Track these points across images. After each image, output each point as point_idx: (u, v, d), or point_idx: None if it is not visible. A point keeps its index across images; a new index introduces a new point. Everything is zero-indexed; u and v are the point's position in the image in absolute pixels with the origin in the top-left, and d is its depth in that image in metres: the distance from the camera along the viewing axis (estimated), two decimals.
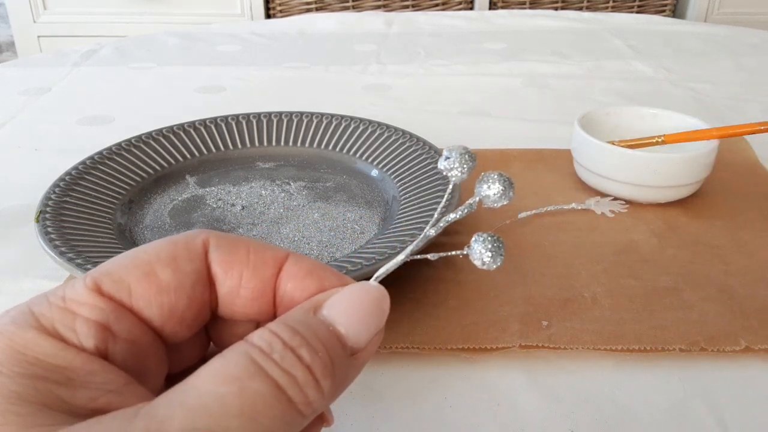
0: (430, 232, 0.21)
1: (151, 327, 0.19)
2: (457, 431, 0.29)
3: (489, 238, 0.20)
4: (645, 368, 0.33)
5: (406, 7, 1.80)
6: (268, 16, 1.88)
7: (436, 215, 0.21)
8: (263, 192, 0.47)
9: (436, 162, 0.45)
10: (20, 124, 0.64)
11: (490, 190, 0.20)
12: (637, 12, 1.83)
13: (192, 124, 0.51)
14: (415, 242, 0.21)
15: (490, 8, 1.82)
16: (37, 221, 0.38)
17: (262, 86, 0.75)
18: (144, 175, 0.47)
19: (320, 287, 0.20)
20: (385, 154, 0.49)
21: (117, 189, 0.44)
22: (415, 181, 0.45)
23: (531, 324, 0.35)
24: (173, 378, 0.20)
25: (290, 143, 0.52)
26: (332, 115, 0.53)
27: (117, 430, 0.15)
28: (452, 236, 0.42)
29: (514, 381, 0.32)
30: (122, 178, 0.46)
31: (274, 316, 0.20)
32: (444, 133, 0.61)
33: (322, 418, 0.20)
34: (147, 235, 0.42)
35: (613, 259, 0.41)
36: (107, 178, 0.45)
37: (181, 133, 0.51)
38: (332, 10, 1.79)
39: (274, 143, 0.52)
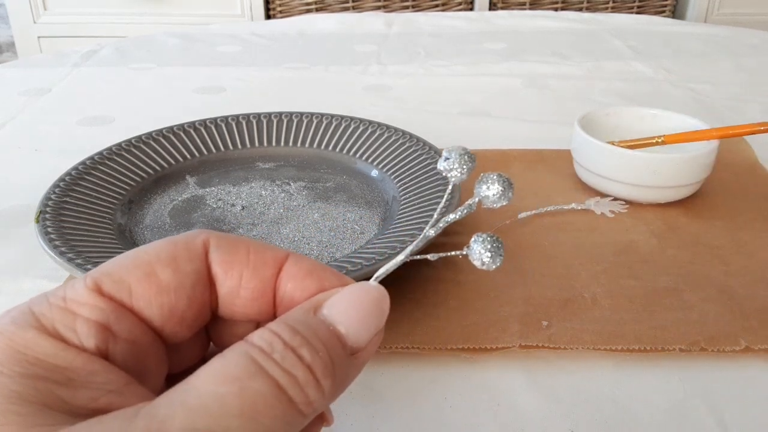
0: (430, 232, 0.21)
1: (151, 327, 0.19)
2: (457, 431, 0.29)
3: (488, 239, 0.20)
4: (645, 368, 0.33)
5: (406, 7, 1.80)
6: (268, 16, 1.88)
7: (435, 216, 0.21)
8: (263, 192, 0.47)
9: (436, 162, 0.45)
10: (20, 125, 0.64)
11: (490, 190, 0.20)
12: (637, 13, 1.83)
13: (192, 124, 0.51)
14: (414, 242, 0.21)
15: (490, 9, 1.82)
16: (37, 221, 0.38)
17: (262, 87, 0.75)
18: (144, 175, 0.47)
19: (320, 287, 0.20)
20: (385, 154, 0.49)
21: (117, 189, 0.44)
22: (415, 181, 0.45)
23: (531, 324, 0.35)
24: (173, 378, 0.20)
25: (290, 143, 0.52)
26: (332, 116, 0.53)
27: (118, 430, 0.15)
28: (452, 236, 0.42)
29: (514, 381, 0.32)
30: (122, 178, 0.46)
31: (274, 317, 0.20)
32: (444, 133, 0.61)
33: (322, 418, 0.20)
34: (147, 235, 0.42)
35: (613, 260, 0.41)
36: (107, 178, 0.45)
37: (181, 134, 0.51)
38: (332, 11, 1.79)
39: (274, 143, 0.52)
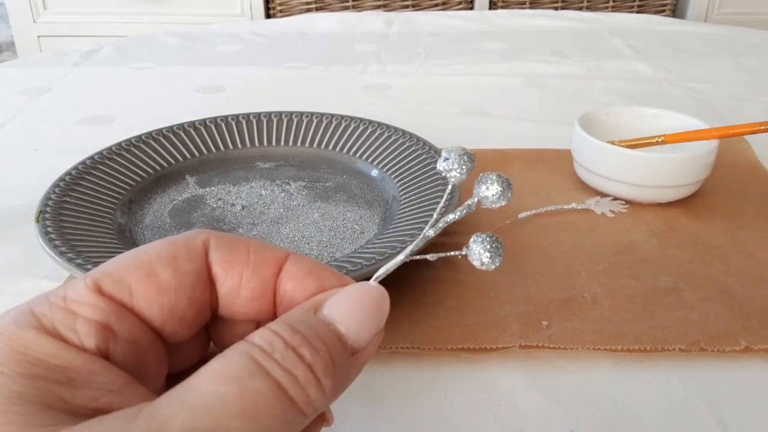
0: (430, 232, 0.21)
1: (151, 327, 0.19)
2: (457, 431, 0.29)
3: (488, 239, 0.20)
4: (645, 368, 0.33)
5: (406, 7, 1.80)
6: (268, 16, 1.88)
7: (435, 216, 0.21)
8: (263, 192, 0.47)
9: (435, 162, 0.45)
10: (20, 124, 0.64)
11: (489, 191, 0.20)
12: (637, 12, 1.83)
13: (192, 124, 0.51)
14: (414, 243, 0.21)
15: (490, 8, 1.82)
16: (37, 221, 0.38)
17: (262, 86, 0.75)
18: (144, 175, 0.47)
19: (320, 287, 0.20)
20: (385, 154, 0.49)
21: (117, 189, 0.44)
22: (415, 181, 0.45)
23: (531, 324, 0.35)
24: (174, 378, 0.20)
25: (290, 143, 0.52)
26: (332, 115, 0.53)
27: (118, 430, 0.15)
28: (452, 236, 0.42)
29: (514, 381, 0.32)
30: (122, 178, 0.46)
31: (274, 316, 0.21)
32: (444, 133, 0.61)
33: (323, 418, 0.20)
34: (147, 235, 0.42)
35: (613, 259, 0.41)
36: (107, 178, 0.45)
37: (181, 133, 0.51)
38: (332, 10, 1.79)
39: (274, 143, 0.52)
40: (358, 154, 0.50)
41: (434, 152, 0.47)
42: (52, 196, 0.41)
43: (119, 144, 0.48)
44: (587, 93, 0.72)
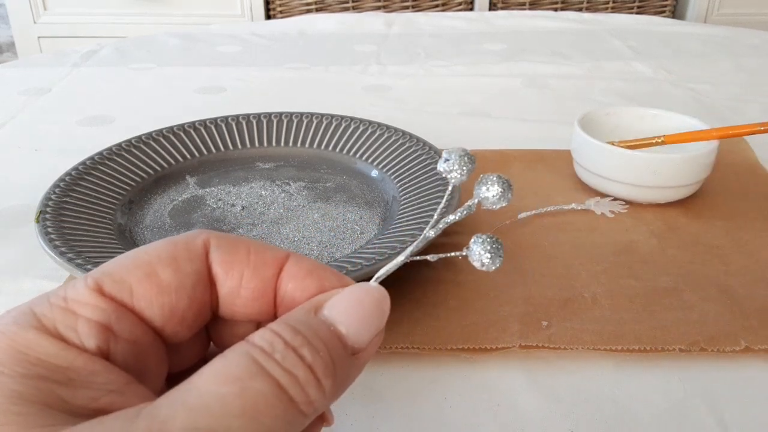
0: (430, 233, 0.21)
1: (152, 327, 0.19)
2: (457, 431, 0.29)
3: (488, 240, 0.20)
4: (645, 368, 0.33)
5: (406, 7, 1.80)
6: (268, 16, 1.88)
7: (435, 217, 0.21)
8: (263, 192, 0.47)
9: (436, 163, 0.45)
10: (20, 125, 0.64)
11: (489, 192, 0.20)
12: (637, 13, 1.83)
13: (192, 124, 0.52)
14: (414, 243, 0.22)
15: (490, 9, 1.82)
16: (37, 221, 0.38)
17: (262, 87, 0.75)
18: (144, 175, 0.47)
19: (321, 288, 0.20)
20: (385, 154, 0.49)
21: (117, 189, 0.44)
22: (415, 181, 0.45)
23: (531, 324, 0.35)
24: (174, 378, 0.20)
25: (290, 143, 0.52)
26: (332, 116, 0.53)
27: (119, 430, 0.15)
28: (452, 237, 0.42)
29: (514, 381, 0.32)
30: (122, 178, 0.46)
31: (274, 317, 0.21)
32: (444, 133, 0.61)
33: (323, 418, 0.20)
34: (147, 235, 0.42)
35: (613, 260, 0.41)
36: (107, 178, 0.45)
37: (181, 134, 0.51)
38: (332, 11, 1.79)
39: (274, 143, 0.52)
40: (358, 155, 0.50)
41: (434, 153, 0.47)
42: (52, 197, 0.41)
43: (119, 144, 0.48)
44: (587, 93, 0.73)
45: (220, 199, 0.46)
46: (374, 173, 0.48)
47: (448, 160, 0.20)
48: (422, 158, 0.47)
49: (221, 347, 0.22)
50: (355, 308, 0.19)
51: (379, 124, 0.51)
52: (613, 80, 0.76)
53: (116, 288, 0.19)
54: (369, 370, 0.32)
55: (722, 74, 0.79)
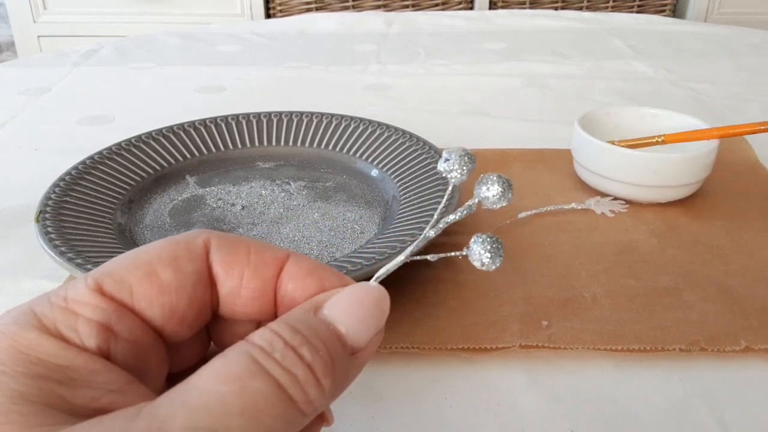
0: (430, 233, 0.21)
1: (152, 327, 0.19)
2: (457, 431, 0.29)
3: (488, 239, 0.20)
4: (645, 368, 0.33)
5: (406, 7, 1.80)
6: (268, 16, 1.88)
7: (435, 216, 0.21)
8: (263, 192, 0.47)
9: (436, 162, 0.45)
10: (20, 124, 0.64)
11: (489, 191, 0.20)
12: (637, 12, 1.83)
13: (192, 124, 0.52)
14: (414, 243, 0.22)
15: (490, 8, 1.82)
16: (37, 221, 0.38)
17: (262, 86, 0.75)
18: (144, 175, 0.47)
19: (321, 287, 0.20)
20: (385, 154, 0.49)
21: (117, 189, 0.44)
22: (415, 181, 0.45)
23: (531, 324, 0.35)
24: (174, 378, 0.20)
25: (290, 143, 0.52)
26: (332, 115, 0.53)
27: (119, 430, 0.15)
28: (452, 236, 0.42)
29: (514, 381, 0.32)
30: (122, 178, 0.46)
31: (274, 316, 0.21)
32: (444, 133, 0.61)
33: (322, 418, 0.20)
34: (147, 235, 0.42)
35: (613, 259, 0.41)
36: (107, 178, 0.45)
37: (181, 133, 0.51)
38: (332, 10, 1.79)
39: (274, 143, 0.52)
40: (358, 154, 0.50)
41: (434, 152, 0.47)
42: (52, 196, 0.41)
43: (119, 144, 0.48)
44: (587, 93, 0.73)
45: (220, 199, 0.46)
46: (374, 173, 0.48)
47: (448, 159, 0.20)
48: (422, 158, 0.47)
49: (221, 347, 0.22)
50: (354, 308, 0.19)
51: (379, 124, 0.51)
52: (613, 80, 0.76)
53: (116, 288, 0.19)
54: (369, 370, 0.32)
55: (722, 73, 0.79)
